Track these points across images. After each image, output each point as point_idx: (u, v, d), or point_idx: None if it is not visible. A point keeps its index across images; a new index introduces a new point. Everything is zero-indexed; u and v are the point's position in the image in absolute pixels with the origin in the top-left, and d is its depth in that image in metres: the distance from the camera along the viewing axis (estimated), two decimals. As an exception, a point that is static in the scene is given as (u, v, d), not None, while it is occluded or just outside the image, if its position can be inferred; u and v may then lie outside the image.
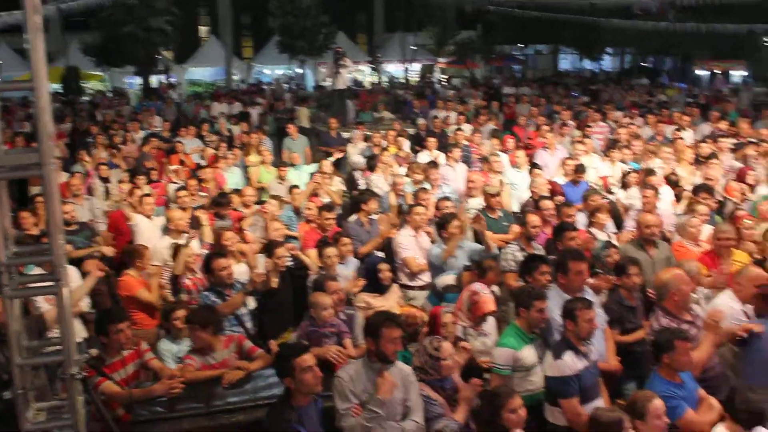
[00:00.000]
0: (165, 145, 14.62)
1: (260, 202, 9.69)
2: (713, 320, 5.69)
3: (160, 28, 33.13)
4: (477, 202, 9.32)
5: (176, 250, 7.73)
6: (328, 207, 9.02)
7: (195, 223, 8.79)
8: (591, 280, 6.67)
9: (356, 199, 9.74)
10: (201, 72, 41.03)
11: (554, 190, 9.83)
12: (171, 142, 14.81)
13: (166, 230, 8.61)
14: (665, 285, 5.96)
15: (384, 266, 7.71)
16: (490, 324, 6.46)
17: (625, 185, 10.37)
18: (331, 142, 14.87)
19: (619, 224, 9.21)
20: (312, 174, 11.04)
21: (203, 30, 46.94)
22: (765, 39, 36.16)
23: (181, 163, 12.78)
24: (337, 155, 13.84)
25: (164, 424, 5.34)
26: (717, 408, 5.25)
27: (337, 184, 11.33)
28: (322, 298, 6.24)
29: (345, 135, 15.29)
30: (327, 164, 11.33)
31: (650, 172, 10.08)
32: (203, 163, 12.99)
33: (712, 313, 5.78)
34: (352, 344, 6.16)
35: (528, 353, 5.65)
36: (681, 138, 12.87)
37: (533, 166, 11.15)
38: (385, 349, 4.91)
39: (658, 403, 4.64)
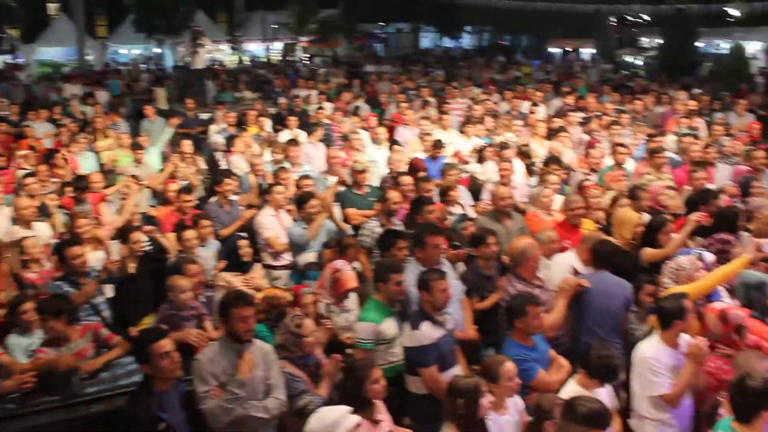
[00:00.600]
0: (13, 129, 13.87)
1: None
2: (567, 284, 6.01)
3: (3, 4, 31.14)
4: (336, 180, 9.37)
5: (16, 244, 7.31)
6: (186, 189, 8.84)
7: (44, 211, 8.39)
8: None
9: (213, 181, 9.60)
10: (51, 52, 38.92)
11: (417, 167, 10.00)
12: (19, 126, 14.05)
13: (14, 220, 8.18)
14: (522, 252, 6.19)
15: (243, 242, 7.65)
16: (352, 300, 6.54)
17: (480, 159, 10.73)
18: (189, 123, 14.52)
19: (476, 197, 9.49)
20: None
21: (52, 7, 44.46)
22: (611, 19, 38.04)
23: (31, 148, 12.14)
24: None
25: (18, 421, 5.11)
26: (566, 367, 5.57)
27: (200, 165, 11.10)
28: (180, 281, 6.13)
29: (204, 116, 14.98)
30: (186, 145, 11.06)
31: (504, 146, 10.44)
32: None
33: (566, 278, 6.11)
34: (213, 326, 6.09)
35: (388, 326, 5.75)
36: (534, 113, 13.42)
37: (393, 143, 11.31)
38: (237, 328, 4.89)
39: (509, 366, 4.85)
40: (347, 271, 6.48)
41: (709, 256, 6.32)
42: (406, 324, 5.62)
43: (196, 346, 5.62)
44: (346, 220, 8.57)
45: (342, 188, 9.12)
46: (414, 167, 9.87)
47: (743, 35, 31.72)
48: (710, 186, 8.90)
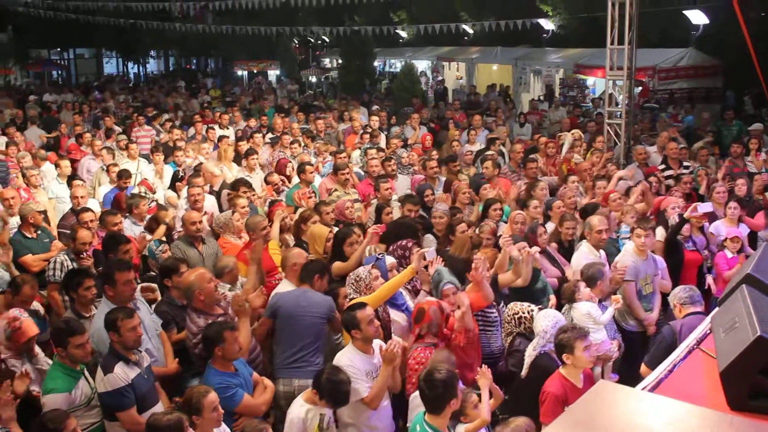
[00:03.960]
0: None
1: None
2: (238, 305, 5.97)
3: None
4: (17, 221, 8.61)
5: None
6: None
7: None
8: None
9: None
10: None
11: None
12: None
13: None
14: (189, 287, 6.00)
15: None
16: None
17: (173, 186, 10.55)
18: None
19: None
20: None
21: None
22: (293, 40, 39.34)
23: None
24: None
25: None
26: (270, 387, 5.63)
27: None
28: None
29: None
30: None
31: (196, 172, 10.33)
32: None
33: (236, 297, 6.09)
34: None
35: (81, 389, 5.21)
36: (225, 137, 13.42)
37: (72, 177, 10.72)
38: None
39: (212, 396, 4.76)
40: (26, 317, 5.85)
41: (390, 261, 6.73)
42: (98, 369, 5.27)
43: None
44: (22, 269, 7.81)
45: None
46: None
47: (413, 55, 34.46)
48: (394, 196, 9.49)
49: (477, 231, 7.84)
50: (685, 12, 24.17)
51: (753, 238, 8.96)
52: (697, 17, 23.62)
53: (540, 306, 6.48)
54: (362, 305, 5.72)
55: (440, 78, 32.76)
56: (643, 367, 5.64)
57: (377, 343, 5.72)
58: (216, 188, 10.38)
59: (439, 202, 9.30)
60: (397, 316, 6.47)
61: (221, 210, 9.47)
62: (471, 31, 31.95)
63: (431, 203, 9.18)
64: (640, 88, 21.56)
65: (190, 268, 6.56)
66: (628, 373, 6.42)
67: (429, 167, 10.55)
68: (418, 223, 8.16)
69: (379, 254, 6.98)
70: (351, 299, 6.27)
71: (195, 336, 5.80)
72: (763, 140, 13.42)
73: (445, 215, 8.37)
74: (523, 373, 5.71)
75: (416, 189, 10.01)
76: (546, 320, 5.87)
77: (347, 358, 5.56)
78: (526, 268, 6.84)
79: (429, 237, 8.08)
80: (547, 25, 30.52)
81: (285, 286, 6.61)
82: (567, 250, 7.94)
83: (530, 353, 5.75)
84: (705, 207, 8.53)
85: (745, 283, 4.89)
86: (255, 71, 43.15)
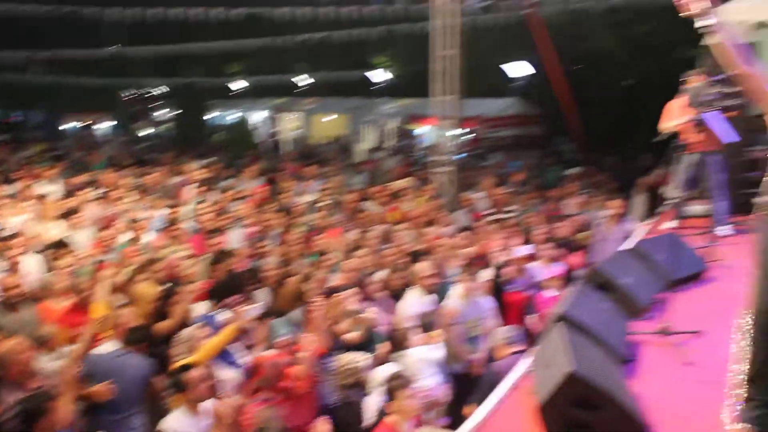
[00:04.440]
0: None
1: None
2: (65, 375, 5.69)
3: None
4: None
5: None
6: None
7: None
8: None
9: None
10: None
11: None
12: None
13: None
14: (3, 358, 5.63)
15: None
16: None
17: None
18: None
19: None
20: None
21: None
22: (126, 92, 38.32)
23: None
24: None
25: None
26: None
27: None
28: None
29: None
30: None
31: (15, 231, 9.78)
32: None
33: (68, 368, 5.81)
34: None
35: None
36: (50, 193, 12.79)
37: None
38: None
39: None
40: None
41: (224, 318, 6.64)
42: None
43: None
44: None
45: None
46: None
47: (248, 106, 34.45)
48: (225, 249, 9.36)
49: (309, 281, 7.87)
50: (509, 64, 25.67)
51: (572, 278, 9.50)
52: (519, 69, 25.14)
53: (372, 355, 6.59)
54: (190, 366, 5.61)
55: (275, 129, 32.86)
56: (468, 408, 5.82)
57: (209, 402, 5.60)
58: (38, 249, 9.86)
59: (271, 254, 9.28)
60: (228, 374, 6.37)
61: (43, 272, 9.00)
62: (306, 83, 32.38)
63: (263, 256, 9.15)
64: (469, 136, 22.57)
65: (6, 337, 6.17)
66: (457, 415, 6.60)
67: (262, 219, 10.52)
68: (249, 276, 8.11)
69: (210, 312, 6.88)
70: (178, 360, 6.13)
71: (6, 413, 5.42)
72: (580, 183, 14.37)
73: (277, 267, 8.37)
74: (368, 424, 5.74)
75: (249, 242, 9.94)
76: (383, 372, 5.96)
77: (175, 422, 5.40)
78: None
79: (260, 291, 8.03)
80: (381, 76, 31.49)
81: (107, 347, 6.37)
82: (398, 296, 8.12)
83: (373, 406, 5.80)
84: (525, 249, 8.99)
85: (560, 321, 5.20)
86: (85, 124, 41.55)
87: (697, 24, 3.62)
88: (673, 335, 5.59)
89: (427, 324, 6.89)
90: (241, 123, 26.39)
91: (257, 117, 34.04)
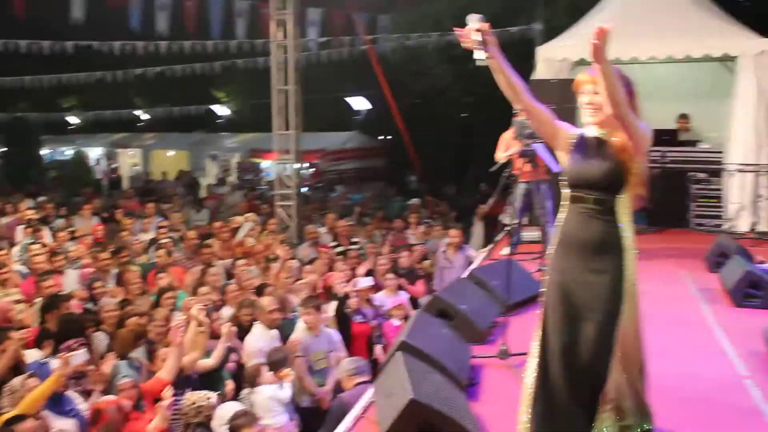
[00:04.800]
0: None
1: None
2: None
3: None
4: None
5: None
6: None
7: None
8: None
9: None
10: None
11: None
12: None
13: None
14: None
15: None
16: None
17: None
18: None
19: None
20: None
21: None
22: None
23: None
24: None
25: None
26: None
27: None
28: None
29: None
30: None
31: None
32: None
33: None
34: None
35: None
36: None
37: None
38: None
39: None
40: None
41: (56, 364, 6.30)
42: None
43: None
44: None
45: None
46: None
47: (85, 141, 33.11)
48: (60, 292, 8.91)
49: (150, 321, 7.61)
50: (348, 98, 26.13)
51: (416, 305, 9.71)
52: (360, 103, 25.66)
53: (218, 393, 6.45)
54: (20, 418, 5.29)
55: (114, 165, 31.73)
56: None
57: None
58: None
59: (109, 295, 8.92)
60: (65, 424, 6.03)
61: None
62: (145, 117, 31.55)
63: (101, 297, 8.78)
64: (312, 170, 22.72)
65: None
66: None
67: (99, 259, 10.10)
68: (87, 319, 7.75)
69: (44, 359, 6.51)
70: (4, 413, 5.74)
71: None
72: (421, 213, 14.75)
73: (116, 308, 8.04)
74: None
75: (85, 283, 9.51)
76: (229, 410, 5.84)
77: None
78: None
79: (99, 335, 7.68)
80: (222, 110, 31.20)
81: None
82: (244, 332, 7.99)
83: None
84: (370, 280, 9.13)
85: (400, 350, 5.29)
86: None
87: (476, 56, 3.71)
88: (512, 357, 5.80)
89: (274, 360, 6.80)
90: (78, 159, 25.30)
91: (95, 153, 32.77)
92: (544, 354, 3.87)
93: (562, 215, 3.96)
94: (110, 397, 6.03)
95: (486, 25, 3.61)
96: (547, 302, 3.90)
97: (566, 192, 3.94)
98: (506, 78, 3.76)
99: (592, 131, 3.89)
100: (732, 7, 13.90)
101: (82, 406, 6.26)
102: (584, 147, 3.87)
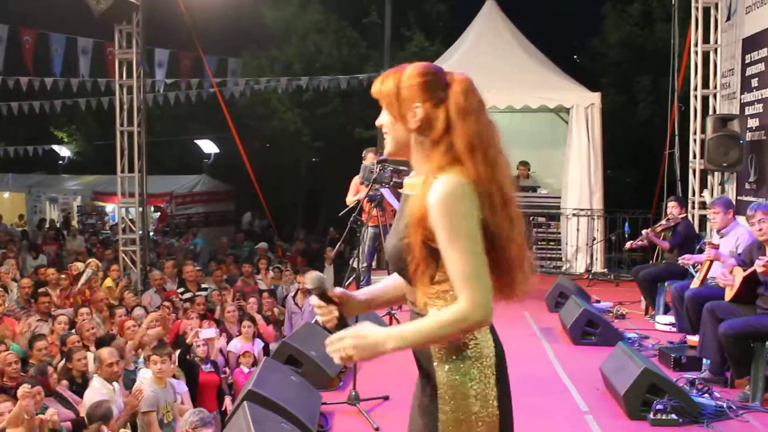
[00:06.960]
0: None
1: None
2: None
3: None
4: None
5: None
6: None
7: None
8: None
9: None
10: None
11: None
12: None
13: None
14: None
15: None
16: None
17: None
18: None
19: None
20: None
21: None
22: None
23: None
24: None
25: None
26: None
27: None
28: None
29: None
30: None
31: None
32: None
33: None
34: None
35: None
36: None
37: None
38: None
39: None
40: None
41: None
42: None
43: None
44: None
45: None
46: None
47: None
48: None
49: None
50: (197, 141, 25.68)
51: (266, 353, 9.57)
52: (208, 146, 25.28)
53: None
54: None
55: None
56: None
57: None
58: None
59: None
60: None
61: None
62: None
63: None
64: (159, 213, 22.08)
65: None
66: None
67: None
68: None
69: None
70: None
71: None
72: (269, 258, 14.63)
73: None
74: None
75: None
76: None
77: None
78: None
79: None
80: (63, 151, 29.88)
81: None
82: (81, 386, 7.57)
83: None
84: (209, 332, 8.94)
85: (246, 399, 5.19)
86: None
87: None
88: (362, 402, 5.81)
89: (108, 418, 6.44)
90: None
91: None
92: None
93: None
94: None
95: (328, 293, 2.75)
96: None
97: None
98: (387, 300, 2.98)
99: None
100: (565, 63, 14.90)
101: None
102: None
